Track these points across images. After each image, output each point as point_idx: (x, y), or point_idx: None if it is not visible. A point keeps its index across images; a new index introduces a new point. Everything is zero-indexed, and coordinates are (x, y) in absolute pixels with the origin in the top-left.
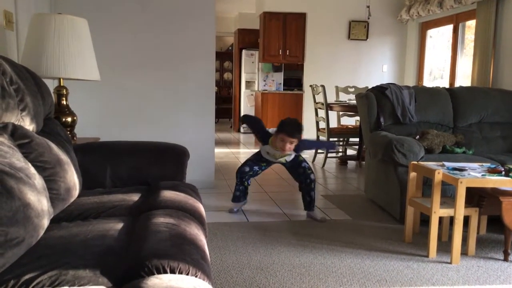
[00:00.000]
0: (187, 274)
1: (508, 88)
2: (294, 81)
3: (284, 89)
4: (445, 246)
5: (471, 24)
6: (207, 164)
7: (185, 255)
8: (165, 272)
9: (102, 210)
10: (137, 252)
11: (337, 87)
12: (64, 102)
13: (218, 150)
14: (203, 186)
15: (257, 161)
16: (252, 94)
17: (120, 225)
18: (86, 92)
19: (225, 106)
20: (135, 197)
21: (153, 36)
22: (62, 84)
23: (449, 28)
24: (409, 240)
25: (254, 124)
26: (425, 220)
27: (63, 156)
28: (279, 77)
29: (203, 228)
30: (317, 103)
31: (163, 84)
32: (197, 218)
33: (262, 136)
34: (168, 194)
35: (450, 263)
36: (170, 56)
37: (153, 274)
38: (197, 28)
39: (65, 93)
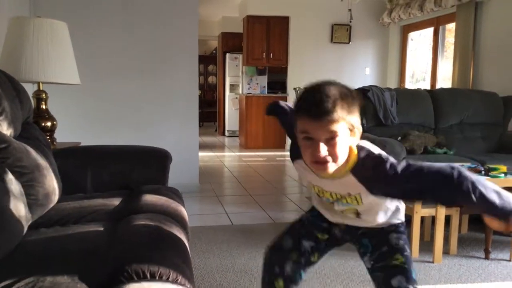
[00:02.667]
0: (168, 279)
1: (488, 89)
2: (278, 84)
3: (268, 92)
4: (427, 245)
5: (451, 27)
6: (191, 167)
7: (166, 259)
8: (145, 277)
9: (82, 215)
10: (116, 257)
11: None
12: (44, 107)
13: (202, 154)
14: (188, 190)
15: (308, 225)
16: (236, 98)
17: (99, 230)
18: (67, 97)
19: (209, 110)
20: (116, 201)
21: (135, 40)
22: (41, 88)
23: (430, 31)
24: None
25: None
26: (407, 221)
27: (42, 161)
28: (263, 80)
29: (185, 231)
30: None
31: (145, 88)
32: (179, 221)
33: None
34: (150, 198)
35: (433, 262)
36: (152, 60)
37: (133, 279)
38: (180, 31)
39: (44, 97)
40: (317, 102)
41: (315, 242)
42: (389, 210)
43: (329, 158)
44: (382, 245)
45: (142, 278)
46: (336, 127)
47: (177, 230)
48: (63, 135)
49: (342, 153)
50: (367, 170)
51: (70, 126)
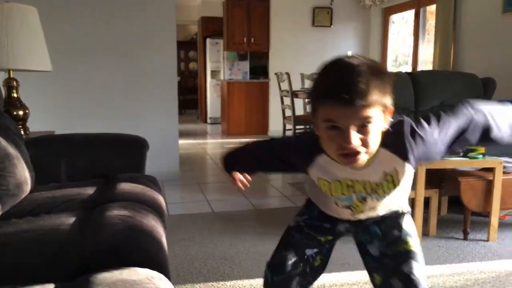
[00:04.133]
0: (140, 266)
1: (468, 71)
2: (260, 69)
3: (250, 78)
4: None
5: (433, 9)
6: (171, 155)
7: (139, 247)
8: (117, 264)
9: (55, 205)
10: (88, 246)
11: (302, 75)
12: (15, 95)
13: (184, 142)
14: (168, 178)
15: (308, 232)
16: (218, 84)
17: (72, 220)
18: (39, 84)
19: (191, 97)
20: (91, 190)
21: (109, 25)
22: (12, 76)
23: (412, 13)
24: None
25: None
26: None
27: (12, 150)
28: (245, 65)
29: (162, 219)
30: (282, 91)
31: (122, 74)
32: (155, 209)
33: (301, 148)
34: (126, 187)
35: None
36: (128, 46)
37: (105, 267)
38: (157, 15)
39: (15, 85)
40: (346, 85)
41: (318, 247)
42: (407, 192)
43: (362, 149)
44: (393, 231)
45: (113, 266)
46: (370, 112)
47: (153, 218)
48: (37, 124)
49: (376, 141)
50: (396, 136)
51: (44, 115)
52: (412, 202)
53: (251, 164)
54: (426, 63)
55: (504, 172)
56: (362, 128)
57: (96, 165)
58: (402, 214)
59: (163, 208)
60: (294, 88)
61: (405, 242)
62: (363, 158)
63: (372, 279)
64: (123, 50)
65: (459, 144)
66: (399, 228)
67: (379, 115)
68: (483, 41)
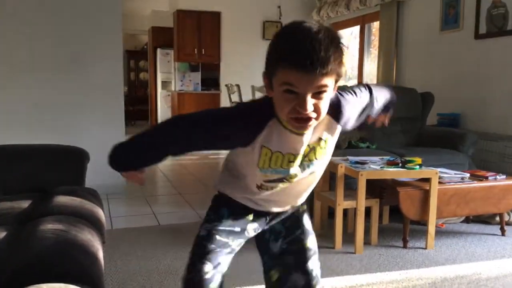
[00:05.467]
0: (73, 281)
1: (409, 86)
2: (211, 81)
3: (202, 89)
4: (350, 237)
5: (377, 25)
6: None
7: (71, 262)
8: (46, 278)
9: None
10: (19, 260)
11: (253, 87)
12: None
13: None
14: (113, 191)
15: (221, 238)
16: (168, 95)
17: (3, 234)
18: None
19: (141, 108)
20: (25, 204)
21: (50, 33)
22: None
23: (357, 29)
24: (318, 232)
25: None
26: (331, 213)
27: None
28: (197, 76)
29: (100, 233)
30: (232, 102)
31: (65, 84)
32: (92, 223)
33: (251, 116)
34: (63, 200)
35: (354, 253)
36: (70, 55)
37: (32, 281)
38: (102, 24)
39: None
40: (309, 52)
41: (231, 252)
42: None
43: (313, 115)
44: (296, 228)
45: (43, 280)
46: (327, 80)
47: (90, 232)
48: None
49: (326, 108)
50: (334, 102)
51: None
52: (354, 211)
53: (151, 156)
54: (372, 77)
55: (439, 182)
56: (317, 95)
57: (31, 178)
58: (303, 212)
59: (101, 221)
60: (244, 100)
61: (306, 240)
62: (313, 123)
63: (268, 278)
64: (66, 60)
65: (363, 115)
66: (301, 226)
67: (332, 83)
68: (422, 57)
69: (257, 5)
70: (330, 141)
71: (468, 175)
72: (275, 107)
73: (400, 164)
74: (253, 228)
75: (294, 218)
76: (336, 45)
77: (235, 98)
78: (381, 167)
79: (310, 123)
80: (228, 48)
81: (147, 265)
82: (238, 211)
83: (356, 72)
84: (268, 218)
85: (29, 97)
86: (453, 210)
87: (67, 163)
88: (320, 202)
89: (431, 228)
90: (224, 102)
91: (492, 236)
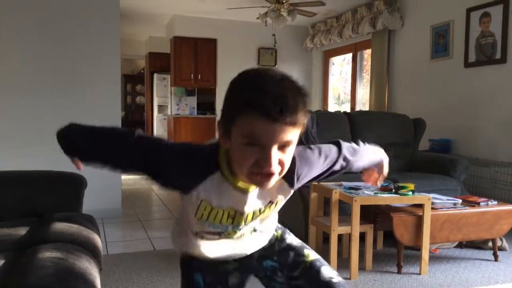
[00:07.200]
0: None
1: (401, 112)
2: (207, 105)
3: (197, 113)
4: (345, 262)
5: (369, 52)
6: (113, 192)
7: None
8: None
9: None
10: None
11: None
12: None
13: (127, 177)
14: (109, 216)
15: None
16: (165, 118)
17: (1, 262)
18: None
19: None
20: (23, 230)
21: (49, 57)
22: None
23: (350, 56)
24: None
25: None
26: (326, 238)
27: None
28: (193, 101)
29: (97, 260)
30: None
31: (60, 108)
32: (90, 250)
33: (194, 163)
34: (60, 226)
35: (349, 278)
36: (69, 79)
37: None
38: (100, 50)
39: None
40: (277, 98)
41: None
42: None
43: (277, 170)
44: (286, 254)
45: None
46: (294, 132)
47: (87, 259)
48: None
49: (289, 163)
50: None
51: None
52: (348, 237)
53: (98, 155)
54: (364, 102)
55: (432, 208)
56: (282, 149)
57: (28, 204)
58: (282, 235)
59: (98, 248)
60: None
61: (305, 256)
62: (274, 180)
63: None
64: (62, 83)
65: (329, 172)
66: (290, 248)
67: (297, 137)
68: (414, 84)
69: (252, 32)
70: (282, 202)
71: (460, 201)
72: (232, 160)
73: (393, 190)
74: (238, 279)
75: (277, 247)
76: (302, 95)
77: None
78: (374, 193)
79: (272, 178)
80: (223, 73)
81: None
82: (212, 269)
83: (349, 97)
84: (244, 262)
85: (26, 121)
86: (446, 235)
87: (64, 189)
88: (315, 227)
89: (425, 254)
90: None
91: (485, 261)
